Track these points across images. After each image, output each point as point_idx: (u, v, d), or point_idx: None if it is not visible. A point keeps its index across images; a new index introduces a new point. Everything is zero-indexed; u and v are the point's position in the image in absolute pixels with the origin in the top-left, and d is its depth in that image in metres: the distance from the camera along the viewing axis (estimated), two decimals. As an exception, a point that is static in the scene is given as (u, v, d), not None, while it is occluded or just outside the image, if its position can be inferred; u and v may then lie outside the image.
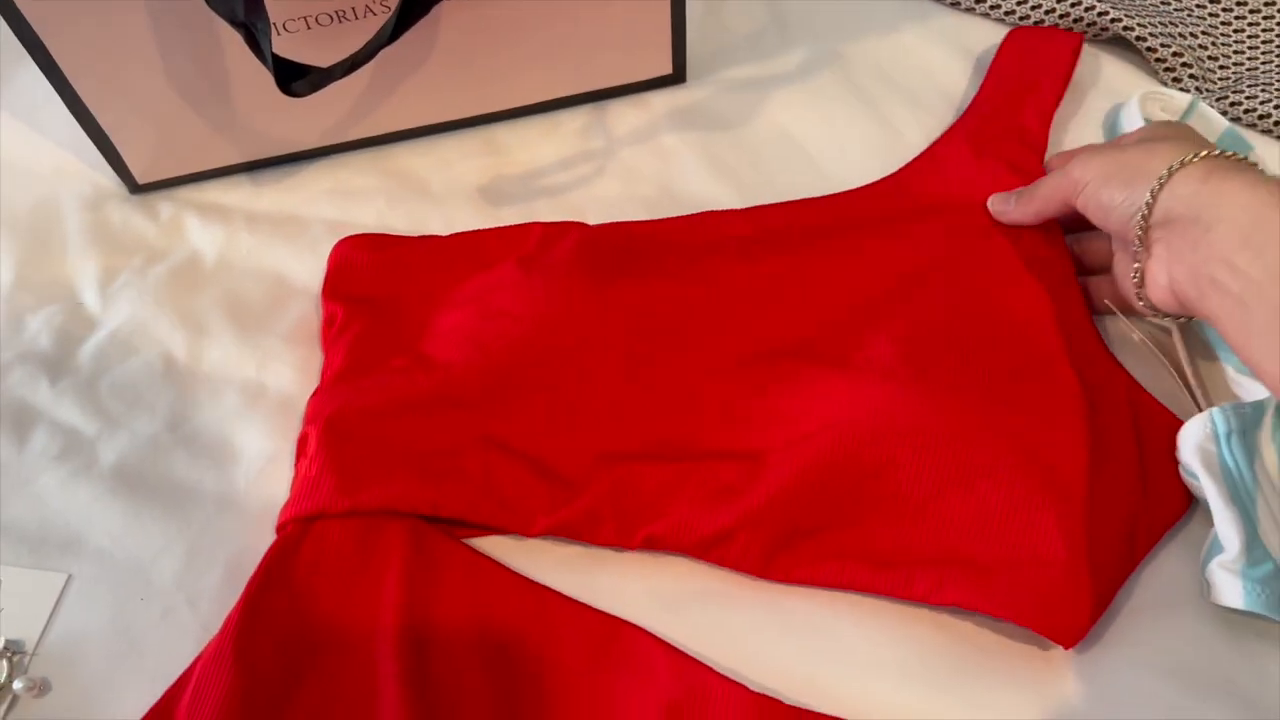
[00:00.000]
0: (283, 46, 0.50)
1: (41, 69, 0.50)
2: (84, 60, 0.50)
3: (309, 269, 0.55)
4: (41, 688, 0.43)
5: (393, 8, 0.48)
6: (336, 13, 0.51)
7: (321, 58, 0.49)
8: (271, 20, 0.49)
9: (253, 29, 0.44)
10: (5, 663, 0.43)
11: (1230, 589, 0.41)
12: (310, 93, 0.47)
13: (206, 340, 0.52)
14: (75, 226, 0.57)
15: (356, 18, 0.51)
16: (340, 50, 0.48)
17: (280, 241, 0.56)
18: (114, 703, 0.42)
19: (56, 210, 0.57)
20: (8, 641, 0.44)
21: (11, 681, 0.43)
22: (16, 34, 0.48)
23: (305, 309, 0.53)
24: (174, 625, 0.44)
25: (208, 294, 0.54)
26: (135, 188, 0.58)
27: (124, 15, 0.49)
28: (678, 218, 0.54)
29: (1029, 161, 0.55)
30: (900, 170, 0.56)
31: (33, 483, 0.48)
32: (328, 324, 0.51)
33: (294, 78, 0.47)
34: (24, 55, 0.49)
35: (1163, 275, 0.44)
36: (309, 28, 0.51)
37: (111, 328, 0.53)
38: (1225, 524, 0.41)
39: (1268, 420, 0.43)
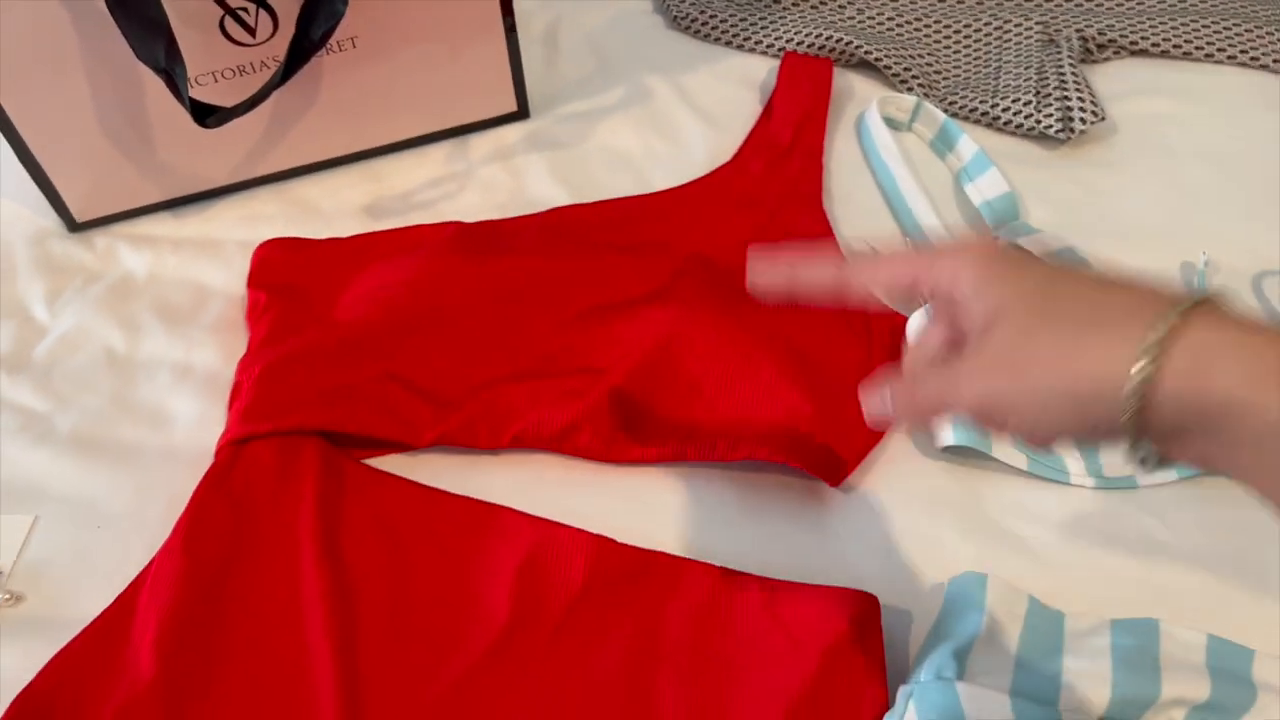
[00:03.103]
0: (195, 95, 0.63)
1: (5, 135, 0.62)
2: (32, 115, 0.62)
3: (225, 277, 0.66)
4: (17, 599, 0.52)
5: (281, 61, 0.62)
6: (237, 68, 0.64)
7: (227, 103, 0.62)
8: (186, 73, 0.62)
9: (172, 74, 0.57)
10: (-12, 581, 0.53)
11: (945, 431, 0.54)
12: (219, 125, 0.60)
13: (141, 336, 0.63)
14: (23, 259, 0.68)
15: (254, 71, 0.64)
16: (242, 96, 0.61)
17: (200, 258, 0.68)
18: (78, 605, 0.51)
19: (7, 248, 0.68)
20: (-12, 568, 0.53)
21: (-6, 595, 0.52)
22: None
23: (223, 307, 0.65)
24: (125, 545, 0.54)
25: (140, 301, 0.65)
26: (74, 226, 0.69)
27: (65, 76, 0.61)
28: (531, 214, 0.68)
29: (797, 178, 0.70)
30: (706, 176, 0.71)
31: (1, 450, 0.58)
32: (253, 307, 0.63)
33: (206, 115, 0.60)
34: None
35: None
36: (216, 81, 0.64)
37: (59, 332, 0.64)
38: (938, 384, 0.55)
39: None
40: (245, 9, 0.61)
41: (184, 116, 0.62)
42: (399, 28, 0.66)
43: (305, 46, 0.60)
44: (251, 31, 0.62)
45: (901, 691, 0.45)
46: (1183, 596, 0.51)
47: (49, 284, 0.67)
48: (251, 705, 0.47)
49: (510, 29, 0.69)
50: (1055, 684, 0.45)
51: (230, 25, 0.62)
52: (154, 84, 0.62)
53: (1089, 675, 0.45)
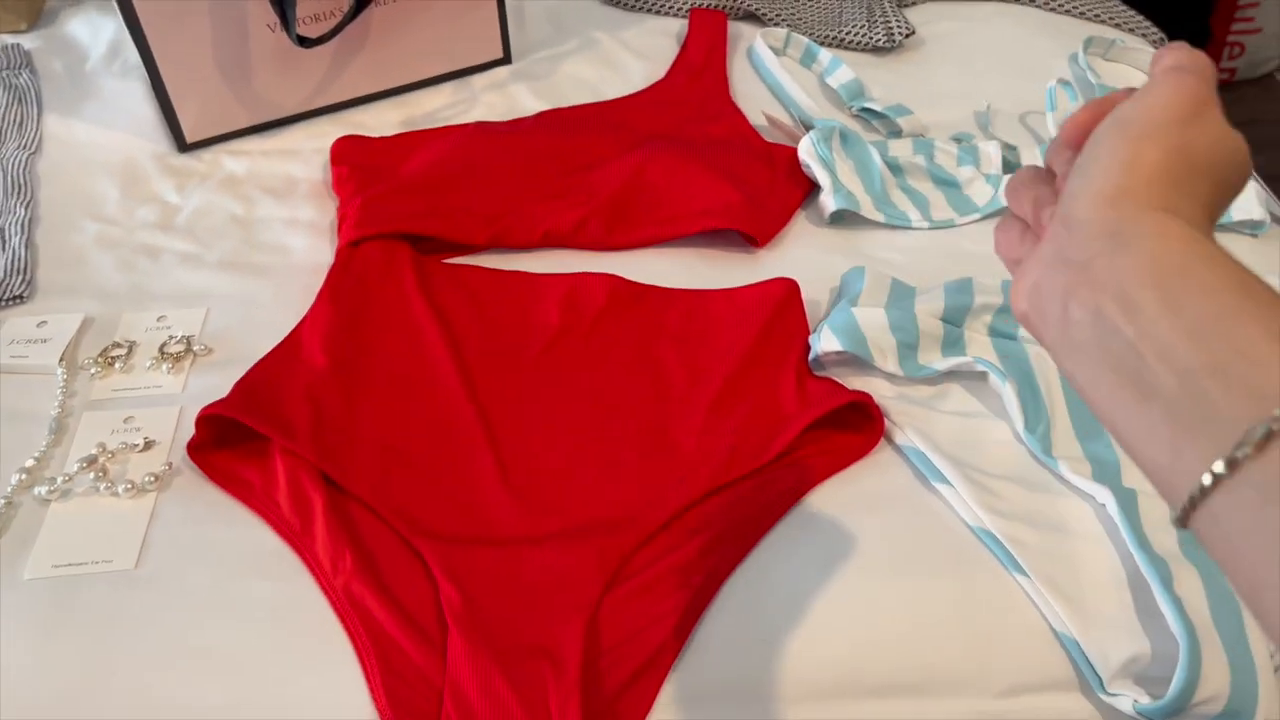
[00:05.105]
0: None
1: (145, 65, 0.86)
2: (169, 54, 0.87)
3: (306, 169, 0.91)
4: (209, 349, 0.75)
5: (345, 9, 0.88)
6: (314, 15, 0.90)
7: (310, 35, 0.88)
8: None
9: (284, 5, 0.83)
10: (187, 340, 0.75)
11: (829, 205, 0.83)
12: (311, 47, 0.86)
13: (253, 205, 0.87)
14: (151, 168, 0.91)
15: (325, 18, 0.90)
16: (319, 34, 0.87)
17: (285, 161, 0.92)
18: (252, 350, 0.74)
19: (137, 161, 0.92)
20: (184, 335, 0.76)
21: (192, 349, 0.74)
22: (135, 42, 0.85)
23: (310, 186, 0.89)
24: (275, 317, 0.76)
25: (247, 187, 0.89)
26: (183, 147, 0.93)
27: (194, 23, 0.86)
28: (524, 117, 0.95)
29: (711, 84, 0.99)
30: (647, 89, 0.99)
31: (169, 275, 0.81)
32: (337, 178, 0.87)
33: (301, 41, 0.86)
34: (103, 75, 0.85)
35: (1033, 274, 0.37)
36: (301, 23, 0.90)
37: (192, 207, 0.87)
38: (821, 174, 0.84)
39: (835, 133, 0.86)
40: (324, -30, 0.88)
41: (273, 55, 0.87)
42: (423, -10, 0.93)
43: (370, -10, 0.87)
44: (326, -13, 0.89)
45: (818, 325, 0.72)
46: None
47: (175, 182, 0.90)
48: (398, 383, 0.71)
49: (500, -2, 0.97)
50: (911, 305, 0.72)
51: (312, -18, 0.88)
52: (256, 29, 0.88)
53: (931, 299, 0.73)
